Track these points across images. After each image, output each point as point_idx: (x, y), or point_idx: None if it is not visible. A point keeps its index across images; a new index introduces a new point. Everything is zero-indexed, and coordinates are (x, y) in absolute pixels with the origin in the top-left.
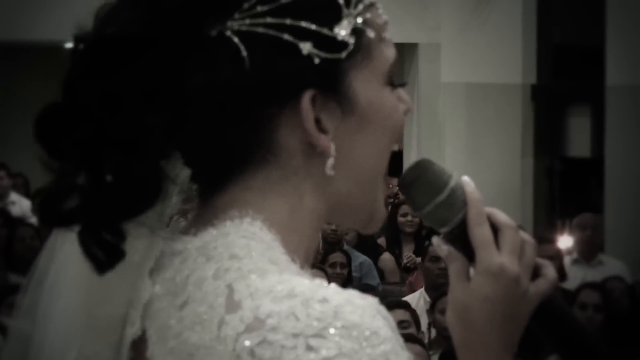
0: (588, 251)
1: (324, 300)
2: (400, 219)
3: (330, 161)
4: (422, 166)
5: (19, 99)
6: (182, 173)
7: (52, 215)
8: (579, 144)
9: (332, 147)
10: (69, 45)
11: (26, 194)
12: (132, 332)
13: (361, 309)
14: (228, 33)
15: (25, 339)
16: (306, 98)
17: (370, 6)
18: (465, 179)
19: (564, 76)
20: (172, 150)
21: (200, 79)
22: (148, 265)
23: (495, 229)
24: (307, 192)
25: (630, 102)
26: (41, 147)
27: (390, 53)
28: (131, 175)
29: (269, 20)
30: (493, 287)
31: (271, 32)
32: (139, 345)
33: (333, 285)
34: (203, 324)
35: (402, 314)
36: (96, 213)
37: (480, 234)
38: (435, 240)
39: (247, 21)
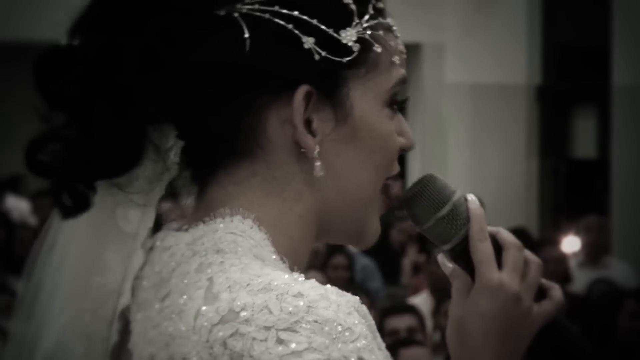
0: (594, 254)
1: (299, 295)
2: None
3: (318, 163)
4: (425, 181)
5: (17, 99)
6: (174, 150)
7: (33, 161)
8: (584, 145)
9: (316, 150)
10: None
11: (26, 194)
12: (122, 302)
13: (336, 304)
14: (235, 14)
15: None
16: (300, 92)
17: (387, 29)
18: (470, 196)
19: (569, 77)
20: (163, 120)
21: (200, 53)
22: (141, 236)
23: (500, 248)
24: (295, 196)
25: (636, 103)
26: (36, 87)
27: (396, 75)
28: (115, 133)
29: (277, 9)
30: (490, 303)
31: (277, 20)
32: (125, 335)
33: (312, 280)
34: (181, 315)
35: (409, 319)
36: (72, 166)
37: (481, 250)
38: (439, 257)
39: (256, 6)
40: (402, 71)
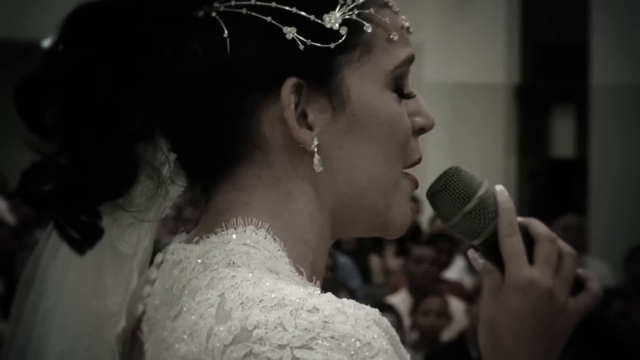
0: None
1: (314, 310)
2: None
3: (317, 157)
4: (449, 175)
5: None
6: (167, 165)
7: (28, 194)
8: (562, 144)
9: (314, 144)
10: (45, 43)
11: (4, 193)
12: (120, 325)
13: (354, 318)
14: (213, 14)
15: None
16: (287, 85)
17: (381, 5)
18: (499, 187)
19: (547, 76)
20: (153, 134)
21: (181, 59)
22: (139, 256)
23: (532, 240)
24: (300, 196)
25: (614, 102)
26: (20, 117)
27: (399, 56)
28: (105, 156)
29: (253, 2)
30: (521, 301)
31: (255, 14)
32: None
33: (328, 294)
34: (193, 335)
35: (388, 318)
36: (68, 195)
37: (509, 245)
38: (470, 253)
39: (233, 2)
40: (405, 51)
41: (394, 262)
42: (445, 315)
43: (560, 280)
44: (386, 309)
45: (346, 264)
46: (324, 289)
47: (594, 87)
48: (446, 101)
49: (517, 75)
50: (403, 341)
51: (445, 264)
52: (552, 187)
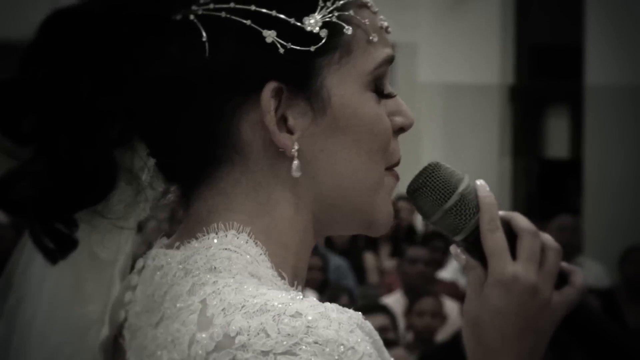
0: (566, 253)
1: (297, 315)
2: None
3: (295, 163)
4: (429, 171)
5: None
6: (146, 170)
7: (4, 201)
8: (557, 144)
9: (295, 148)
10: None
11: None
12: (102, 333)
13: (337, 323)
14: (191, 17)
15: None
16: (267, 90)
17: (360, 5)
18: (479, 182)
19: (542, 76)
20: (132, 139)
21: (160, 63)
22: (120, 262)
23: (515, 235)
24: (281, 200)
25: (608, 103)
26: None
27: (378, 56)
28: (83, 162)
29: (232, 5)
30: (505, 298)
31: (234, 18)
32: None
33: (311, 298)
34: (175, 343)
35: (382, 319)
36: (45, 202)
37: (492, 241)
38: (452, 249)
39: (211, 6)
40: (384, 51)
41: (389, 263)
42: (439, 316)
43: (544, 274)
44: (380, 309)
45: (340, 266)
46: (320, 289)
47: (589, 88)
48: (440, 101)
49: (512, 76)
50: (397, 342)
51: (440, 263)
52: (547, 187)
